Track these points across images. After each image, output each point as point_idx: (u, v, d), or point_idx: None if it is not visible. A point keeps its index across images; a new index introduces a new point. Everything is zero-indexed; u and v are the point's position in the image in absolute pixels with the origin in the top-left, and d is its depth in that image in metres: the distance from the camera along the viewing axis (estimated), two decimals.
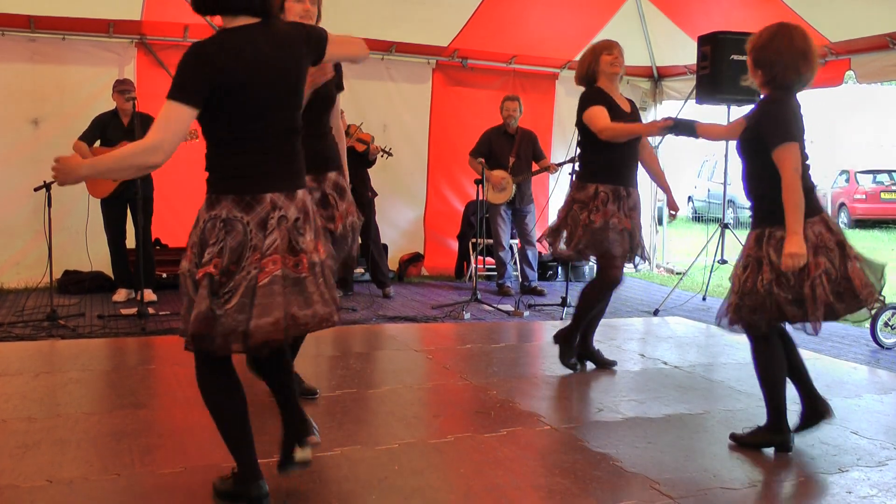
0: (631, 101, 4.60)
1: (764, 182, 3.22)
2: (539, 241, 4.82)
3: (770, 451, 3.36)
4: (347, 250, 3.53)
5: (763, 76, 3.25)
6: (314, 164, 3.18)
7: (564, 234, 4.47)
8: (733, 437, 3.47)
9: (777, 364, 3.31)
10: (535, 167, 7.53)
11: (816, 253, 3.16)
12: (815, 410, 3.42)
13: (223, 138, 2.46)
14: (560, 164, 7.27)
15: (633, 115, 4.53)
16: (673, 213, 4.78)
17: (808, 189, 3.20)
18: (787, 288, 3.15)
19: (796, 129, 3.18)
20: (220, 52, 2.35)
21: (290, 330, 2.46)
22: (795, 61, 3.17)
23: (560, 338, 4.63)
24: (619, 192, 4.34)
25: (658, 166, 4.73)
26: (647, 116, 8.60)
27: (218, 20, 2.50)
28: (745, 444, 3.41)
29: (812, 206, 3.21)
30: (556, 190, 7.75)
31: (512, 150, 7.41)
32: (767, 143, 3.16)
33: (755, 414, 3.87)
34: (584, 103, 4.38)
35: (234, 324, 2.36)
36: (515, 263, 7.93)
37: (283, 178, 2.49)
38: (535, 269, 7.72)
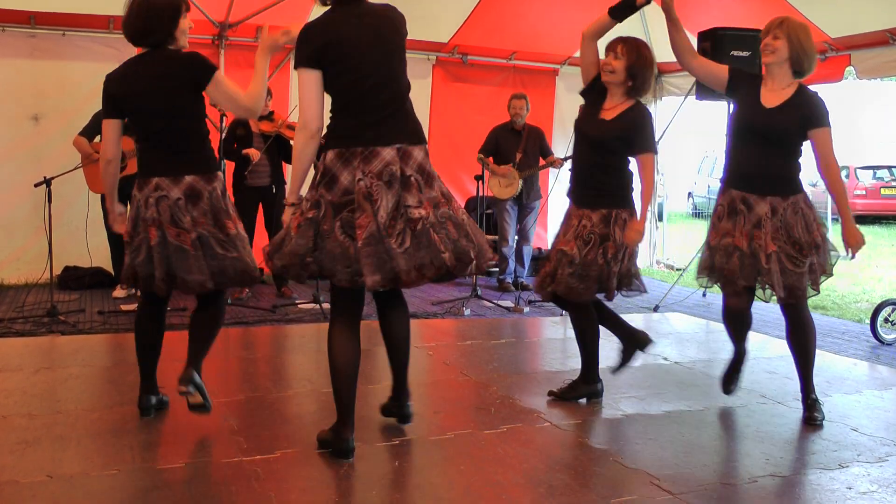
0: (799, 87, 3.57)
1: (612, 174, 3.69)
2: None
3: (769, 448, 3.37)
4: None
5: (634, 85, 3.62)
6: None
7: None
8: (551, 393, 3.96)
9: (594, 327, 3.87)
10: (542, 163, 7.53)
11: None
12: (634, 339, 3.92)
13: (136, 139, 3.35)
14: (565, 159, 7.23)
15: (781, 109, 3.54)
16: (851, 256, 3.67)
17: (629, 184, 3.73)
18: (620, 264, 3.66)
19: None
20: (112, 81, 3.32)
21: (175, 287, 3.22)
22: (653, 72, 3.68)
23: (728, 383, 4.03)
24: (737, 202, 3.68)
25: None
26: None
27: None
28: (564, 397, 3.91)
29: (629, 197, 3.73)
30: (556, 186, 7.72)
31: (519, 147, 7.40)
32: (636, 146, 3.62)
33: (755, 410, 3.89)
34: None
35: (144, 272, 3.21)
36: None
37: (169, 166, 3.21)
38: (526, 267, 7.71)
